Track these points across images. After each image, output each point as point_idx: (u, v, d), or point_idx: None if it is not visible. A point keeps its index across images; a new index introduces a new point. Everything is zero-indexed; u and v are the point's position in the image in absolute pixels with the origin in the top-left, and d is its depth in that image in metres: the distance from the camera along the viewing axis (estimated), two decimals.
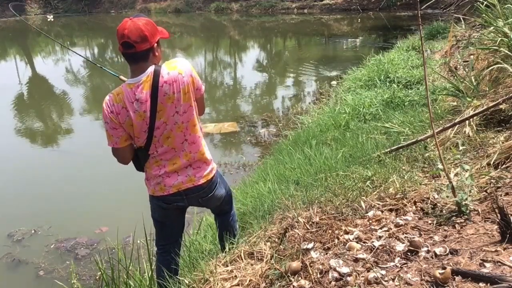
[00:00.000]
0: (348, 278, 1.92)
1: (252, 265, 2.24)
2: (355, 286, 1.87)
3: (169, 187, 2.33)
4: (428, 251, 2.02)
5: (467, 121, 3.37)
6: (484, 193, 2.46)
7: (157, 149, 2.27)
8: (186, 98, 2.20)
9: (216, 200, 2.54)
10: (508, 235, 1.91)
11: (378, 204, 2.59)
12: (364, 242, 2.21)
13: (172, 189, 2.34)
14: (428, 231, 2.23)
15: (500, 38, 4.02)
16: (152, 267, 2.84)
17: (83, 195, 5.22)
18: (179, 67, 2.19)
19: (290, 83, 10.47)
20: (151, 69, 2.14)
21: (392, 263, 2.00)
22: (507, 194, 2.40)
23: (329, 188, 2.99)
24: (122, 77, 2.61)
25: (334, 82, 8.63)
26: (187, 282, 2.35)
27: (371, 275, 1.89)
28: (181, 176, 2.33)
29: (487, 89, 3.85)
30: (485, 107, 3.38)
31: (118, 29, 2.12)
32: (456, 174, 2.67)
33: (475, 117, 3.38)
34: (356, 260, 2.06)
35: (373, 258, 2.05)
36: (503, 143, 2.97)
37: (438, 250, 1.99)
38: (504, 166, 2.73)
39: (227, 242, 2.53)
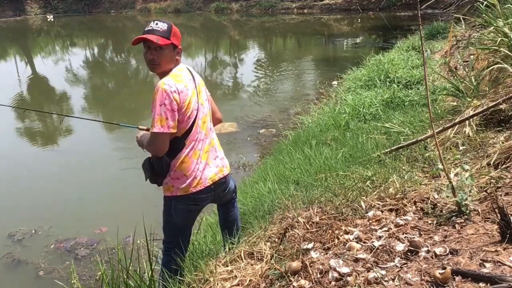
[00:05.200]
0: (348, 278, 1.92)
1: (252, 265, 2.24)
2: (355, 286, 1.87)
3: (205, 179, 2.42)
4: (428, 251, 2.02)
5: (467, 121, 3.37)
6: (484, 193, 2.46)
7: (197, 134, 2.38)
8: (206, 91, 2.53)
9: (230, 193, 2.67)
10: (508, 235, 1.91)
11: (378, 204, 2.59)
12: (364, 242, 2.21)
13: (208, 182, 2.43)
14: (428, 231, 2.22)
15: (500, 38, 4.02)
16: (153, 267, 2.83)
17: (83, 195, 5.21)
18: None
19: (290, 83, 10.47)
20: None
21: (392, 263, 2.00)
22: (507, 194, 2.40)
23: (329, 188, 2.99)
24: (141, 126, 2.55)
25: (335, 82, 8.63)
26: (187, 282, 2.35)
27: (371, 275, 1.89)
28: (213, 167, 2.47)
29: (487, 89, 3.85)
30: (485, 107, 3.38)
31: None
32: (456, 174, 2.67)
33: (475, 117, 3.38)
34: (356, 260, 2.06)
35: (373, 258, 2.05)
36: (503, 143, 2.97)
37: (438, 250, 1.99)
38: (504, 166, 2.73)
39: (227, 241, 2.53)
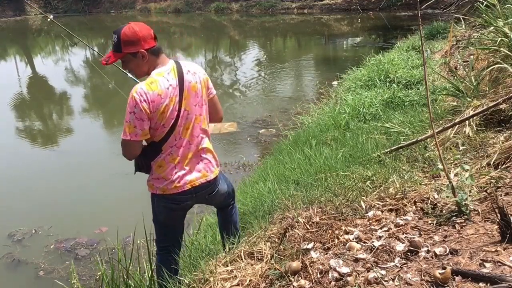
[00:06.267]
0: (348, 278, 1.92)
1: (252, 265, 2.24)
2: (355, 286, 1.87)
3: (184, 184, 2.35)
4: (428, 251, 2.02)
5: (467, 121, 3.37)
6: (484, 193, 2.46)
7: (175, 142, 2.30)
8: (204, 92, 2.39)
9: (220, 196, 2.59)
10: (508, 235, 1.91)
11: (378, 204, 2.59)
12: (364, 242, 2.21)
13: (187, 186, 2.35)
14: (428, 231, 2.22)
15: (500, 38, 4.02)
16: (152, 267, 2.84)
17: (83, 195, 5.22)
18: (193, 65, 2.39)
19: (290, 83, 10.47)
20: (171, 60, 2.30)
21: (392, 263, 2.00)
22: (507, 194, 2.40)
23: (329, 188, 2.99)
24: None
25: (335, 82, 8.63)
26: (187, 282, 2.35)
27: (371, 275, 1.89)
28: (195, 172, 2.37)
29: (487, 89, 3.85)
30: (485, 107, 3.38)
31: (139, 28, 2.20)
32: (456, 174, 2.67)
33: (475, 117, 3.38)
34: (356, 260, 2.06)
35: (373, 258, 2.05)
36: (503, 143, 2.97)
37: (438, 250, 1.99)
38: (504, 166, 2.73)
39: (227, 242, 2.53)
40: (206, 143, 2.43)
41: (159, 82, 2.19)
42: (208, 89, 2.44)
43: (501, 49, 3.88)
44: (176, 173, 2.33)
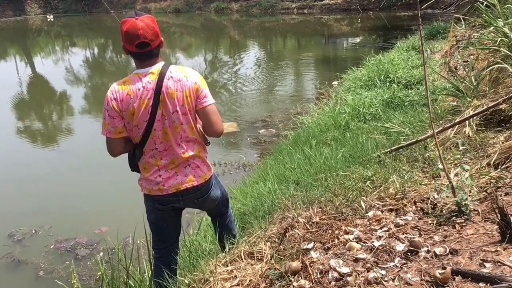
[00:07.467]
0: (348, 278, 1.92)
1: (252, 265, 2.24)
2: (355, 286, 1.87)
3: (168, 187, 2.32)
4: (428, 251, 2.02)
5: (467, 121, 3.37)
6: (484, 193, 2.46)
7: (156, 146, 2.27)
8: (187, 101, 2.23)
9: (211, 202, 2.53)
10: (508, 235, 1.91)
11: (378, 204, 2.59)
12: (364, 242, 2.21)
13: (171, 189, 2.33)
14: (428, 231, 2.23)
15: (500, 38, 4.02)
16: (152, 267, 2.84)
17: (83, 195, 5.22)
18: (186, 71, 2.27)
19: (290, 83, 10.47)
20: (160, 64, 2.24)
21: (392, 263, 2.00)
22: (507, 194, 2.40)
23: (329, 188, 2.99)
24: None
25: (335, 82, 8.63)
26: (187, 282, 2.35)
27: (371, 275, 1.89)
28: (180, 175, 2.33)
29: (487, 89, 3.85)
30: (485, 107, 3.38)
31: (129, 30, 2.12)
32: (456, 174, 2.67)
33: (475, 117, 3.38)
34: (356, 260, 2.06)
35: (373, 258, 2.05)
36: (503, 143, 2.97)
37: (438, 250, 1.99)
38: (504, 166, 2.73)
39: (227, 243, 2.53)
40: (194, 151, 2.33)
41: (131, 81, 2.19)
42: (197, 98, 2.24)
43: (501, 49, 3.88)
44: (160, 175, 2.32)
